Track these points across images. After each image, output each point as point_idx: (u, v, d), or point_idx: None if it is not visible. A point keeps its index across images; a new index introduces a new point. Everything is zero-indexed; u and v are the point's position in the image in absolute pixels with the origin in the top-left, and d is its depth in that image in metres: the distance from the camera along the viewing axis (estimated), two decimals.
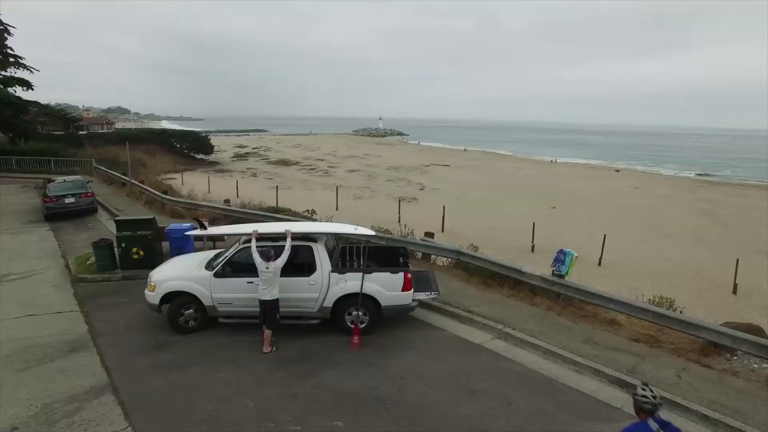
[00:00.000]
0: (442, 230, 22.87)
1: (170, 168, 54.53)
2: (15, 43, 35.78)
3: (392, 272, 8.34)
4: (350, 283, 8.25)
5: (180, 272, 8.60)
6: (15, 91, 34.72)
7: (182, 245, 11.61)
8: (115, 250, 11.42)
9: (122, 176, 24.37)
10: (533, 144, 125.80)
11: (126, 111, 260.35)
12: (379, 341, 8.29)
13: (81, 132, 56.16)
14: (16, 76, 35.28)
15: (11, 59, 36.19)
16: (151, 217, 11.60)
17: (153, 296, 8.41)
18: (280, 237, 8.29)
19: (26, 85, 34.17)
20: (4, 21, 35.36)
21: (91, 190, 18.33)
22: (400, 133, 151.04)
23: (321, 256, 8.29)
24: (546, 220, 26.68)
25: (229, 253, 8.48)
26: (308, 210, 16.19)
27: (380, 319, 8.46)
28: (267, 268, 7.57)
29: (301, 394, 6.74)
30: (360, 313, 8.37)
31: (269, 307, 7.73)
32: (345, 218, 26.09)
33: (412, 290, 8.42)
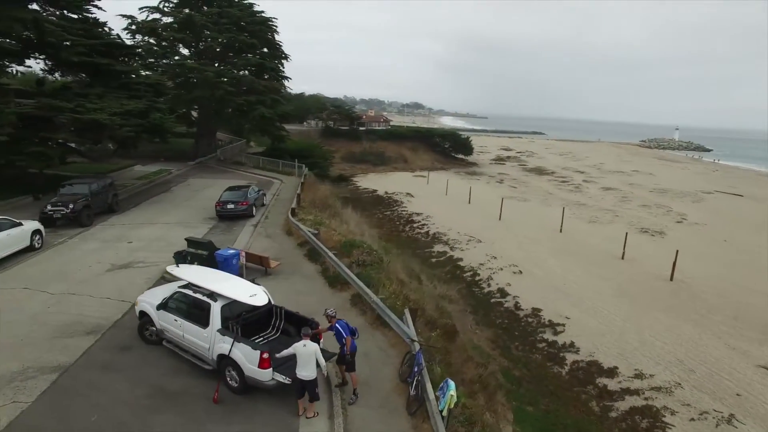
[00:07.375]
0: (671, 278, 19.45)
1: (428, 165, 60.19)
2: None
3: (252, 347, 9.06)
4: (226, 345, 9.41)
5: (152, 298, 11.37)
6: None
7: (224, 266, 14.64)
8: (187, 259, 15.33)
9: (301, 184, 30.18)
10: None
11: (421, 106, 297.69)
12: (237, 406, 9.23)
13: (361, 128, 68.72)
14: (279, 96, 46.84)
15: (283, 79, 48.58)
16: (208, 240, 15.05)
17: (135, 310, 11.51)
18: (200, 291, 10.15)
19: (278, 102, 44.77)
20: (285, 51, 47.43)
21: (246, 199, 23.64)
22: (701, 148, 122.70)
23: (215, 314, 9.73)
24: None
25: (168, 294, 10.77)
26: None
27: (247, 385, 9.27)
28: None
29: (134, 424, 8.52)
30: (234, 373, 9.44)
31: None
32: (558, 243, 23.79)
33: (271, 369, 8.91)
